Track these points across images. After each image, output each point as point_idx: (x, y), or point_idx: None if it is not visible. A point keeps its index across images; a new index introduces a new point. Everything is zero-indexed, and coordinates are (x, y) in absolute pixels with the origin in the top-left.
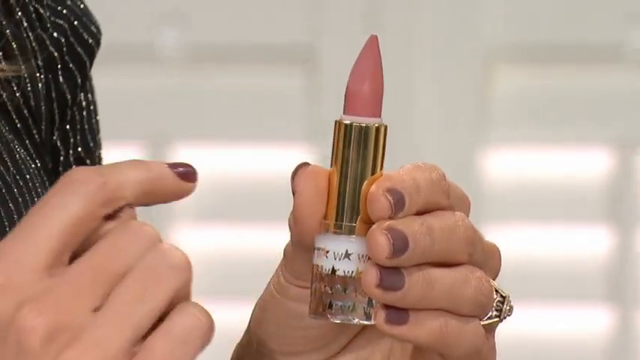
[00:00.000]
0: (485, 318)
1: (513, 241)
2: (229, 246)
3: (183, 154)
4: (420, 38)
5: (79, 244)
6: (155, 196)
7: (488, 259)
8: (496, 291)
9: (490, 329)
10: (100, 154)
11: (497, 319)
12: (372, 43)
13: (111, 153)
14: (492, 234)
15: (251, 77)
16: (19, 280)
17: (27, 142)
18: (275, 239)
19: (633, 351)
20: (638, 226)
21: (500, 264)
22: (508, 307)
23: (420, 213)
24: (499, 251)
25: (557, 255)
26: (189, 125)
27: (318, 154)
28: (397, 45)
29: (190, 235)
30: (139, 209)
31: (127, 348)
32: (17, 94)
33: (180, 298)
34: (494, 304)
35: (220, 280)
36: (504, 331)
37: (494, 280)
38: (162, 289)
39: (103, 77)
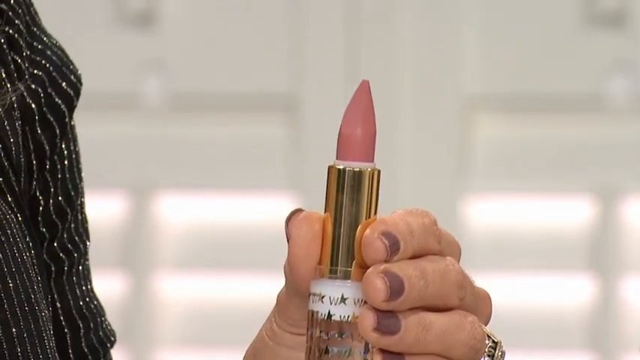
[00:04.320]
0: None
1: (494, 291)
2: (211, 294)
3: (165, 202)
4: (401, 88)
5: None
6: None
7: (479, 305)
8: (488, 336)
9: None
10: (82, 202)
11: None
12: (364, 88)
13: (93, 201)
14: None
15: (233, 126)
16: None
17: (7, 195)
18: (257, 288)
19: None
20: (620, 275)
21: (492, 310)
22: (500, 353)
23: (412, 257)
24: (490, 297)
25: (539, 304)
26: (171, 174)
27: (299, 202)
28: (377, 95)
29: (172, 283)
30: (119, 256)
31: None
32: None
33: None
34: (487, 350)
35: (202, 330)
36: None
37: (485, 325)
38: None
39: (86, 125)
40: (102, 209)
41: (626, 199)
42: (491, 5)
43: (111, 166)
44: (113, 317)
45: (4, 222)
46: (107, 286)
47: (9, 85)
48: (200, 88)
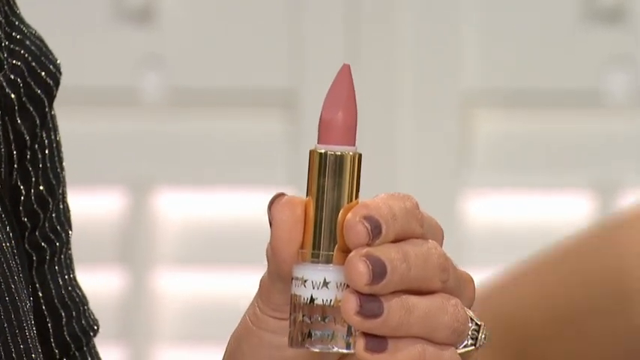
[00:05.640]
0: (461, 346)
1: None
2: (210, 290)
3: (163, 198)
4: (400, 84)
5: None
6: None
7: (462, 288)
8: (471, 319)
9: (466, 358)
10: (63, 190)
11: (472, 347)
12: (345, 72)
13: (92, 197)
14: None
15: (232, 121)
16: None
17: None
18: (255, 284)
19: None
20: None
21: (475, 293)
22: (483, 336)
23: (395, 241)
24: (473, 280)
25: None
26: (169, 169)
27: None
28: (377, 90)
29: (171, 279)
30: (118, 252)
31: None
32: None
33: None
34: (470, 332)
35: (201, 326)
36: None
37: (469, 308)
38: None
39: (84, 121)
40: (100, 205)
41: (626, 194)
42: (490, 1)
43: (109, 162)
44: (112, 313)
45: None
46: (106, 281)
47: None
48: (199, 83)
